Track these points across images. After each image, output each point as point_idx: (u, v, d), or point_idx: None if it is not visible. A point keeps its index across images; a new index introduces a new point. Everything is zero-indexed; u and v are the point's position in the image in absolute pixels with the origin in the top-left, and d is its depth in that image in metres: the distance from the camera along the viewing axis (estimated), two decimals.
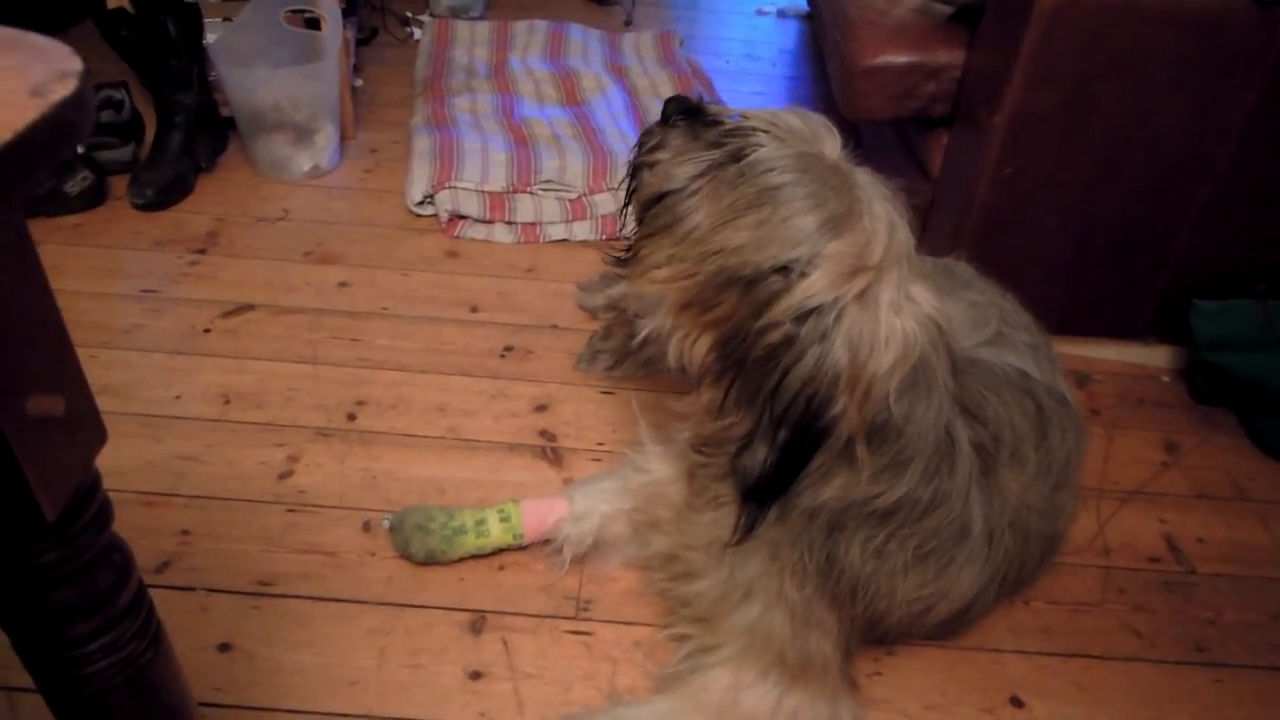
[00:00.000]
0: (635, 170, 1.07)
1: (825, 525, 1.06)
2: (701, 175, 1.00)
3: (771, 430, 0.97)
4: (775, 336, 0.95)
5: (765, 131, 0.98)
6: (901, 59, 1.69)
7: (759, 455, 0.99)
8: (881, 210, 0.97)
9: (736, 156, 0.98)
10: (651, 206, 1.04)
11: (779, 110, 1.02)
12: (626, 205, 1.09)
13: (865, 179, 0.99)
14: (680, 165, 1.01)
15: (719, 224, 0.97)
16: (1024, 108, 1.50)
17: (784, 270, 0.94)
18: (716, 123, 1.02)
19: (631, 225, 1.09)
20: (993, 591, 1.22)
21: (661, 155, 1.03)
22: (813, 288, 0.93)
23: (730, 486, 1.10)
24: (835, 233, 0.94)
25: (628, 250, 1.09)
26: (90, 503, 0.63)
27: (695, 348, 1.03)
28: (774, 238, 0.94)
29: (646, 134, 1.06)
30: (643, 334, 1.10)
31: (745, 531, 1.04)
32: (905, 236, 0.98)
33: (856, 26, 1.77)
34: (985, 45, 1.60)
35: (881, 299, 0.95)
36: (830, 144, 1.00)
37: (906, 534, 1.08)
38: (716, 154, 0.99)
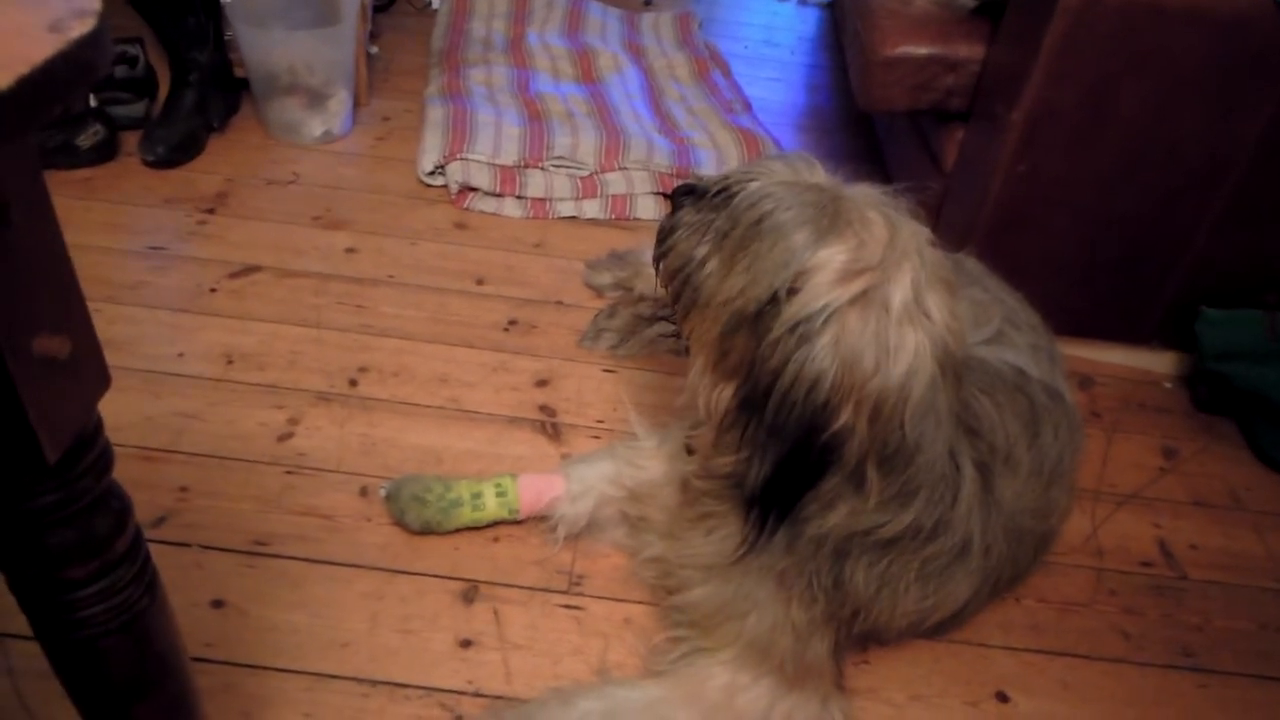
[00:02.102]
0: (660, 261, 1.09)
1: (831, 552, 1.06)
2: (706, 239, 1.02)
3: (763, 442, 0.96)
4: (775, 360, 0.93)
5: (748, 175, 1.00)
6: (921, 50, 1.68)
7: (754, 467, 0.98)
8: (876, 215, 0.95)
9: (727, 207, 1.00)
10: (679, 287, 1.06)
11: (761, 159, 1.05)
12: (668, 304, 1.11)
13: (855, 191, 0.98)
14: (689, 239, 1.04)
15: (724, 276, 0.98)
16: (1042, 104, 1.49)
17: (777, 295, 0.93)
18: (708, 189, 1.04)
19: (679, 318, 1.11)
20: (985, 594, 1.23)
21: (675, 237, 1.06)
22: (804, 298, 0.92)
23: (725, 505, 1.10)
24: (822, 243, 0.92)
25: (685, 341, 1.10)
26: (91, 447, 0.63)
27: (720, 396, 1.02)
28: (766, 267, 0.94)
29: (660, 229, 1.09)
30: (683, 398, 1.10)
31: (749, 548, 1.03)
32: (913, 233, 0.96)
33: (878, 16, 1.76)
34: (1007, 40, 1.59)
35: (892, 302, 0.92)
36: (812, 173, 1.00)
37: (909, 559, 1.08)
38: (714, 215, 1.01)
